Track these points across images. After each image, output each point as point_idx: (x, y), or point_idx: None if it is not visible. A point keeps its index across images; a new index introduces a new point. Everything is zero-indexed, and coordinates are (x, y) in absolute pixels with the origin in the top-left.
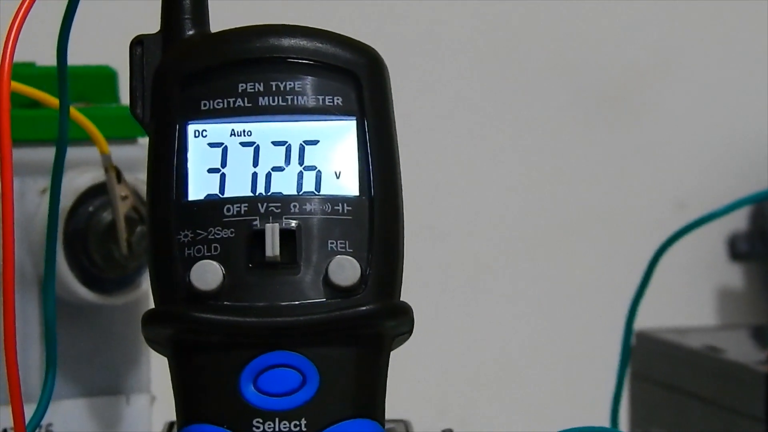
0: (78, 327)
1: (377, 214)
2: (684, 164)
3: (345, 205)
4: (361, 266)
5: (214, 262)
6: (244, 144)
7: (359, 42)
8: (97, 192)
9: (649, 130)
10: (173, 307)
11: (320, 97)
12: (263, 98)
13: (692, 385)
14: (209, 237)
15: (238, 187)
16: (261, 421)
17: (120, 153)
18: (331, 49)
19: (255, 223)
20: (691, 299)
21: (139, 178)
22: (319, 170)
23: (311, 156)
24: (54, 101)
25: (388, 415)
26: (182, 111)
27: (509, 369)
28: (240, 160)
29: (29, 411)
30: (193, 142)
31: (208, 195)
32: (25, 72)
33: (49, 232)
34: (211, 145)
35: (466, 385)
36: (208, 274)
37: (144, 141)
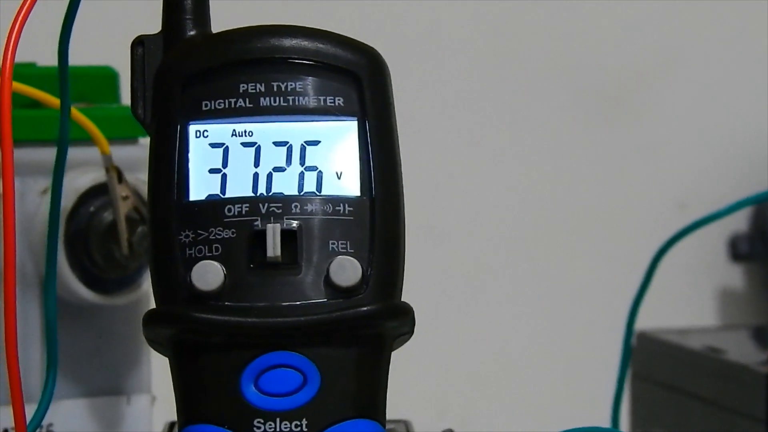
0: (79, 327)
1: (378, 215)
2: (685, 165)
3: (346, 205)
4: (362, 267)
5: (215, 263)
6: (245, 144)
7: (360, 42)
8: (98, 192)
9: (650, 130)
10: (174, 308)
11: (321, 98)
12: (264, 99)
13: (693, 385)
14: (210, 237)
15: (239, 187)
16: (262, 421)
17: (121, 153)
18: (332, 49)
19: (256, 223)
20: (691, 300)
21: (140, 178)
22: (320, 170)
23: (312, 156)
24: (55, 101)
25: (388, 416)
26: (183, 111)
27: (510, 369)
28: (241, 161)
29: (30, 411)
30: (194, 143)
31: (210, 195)
32: (26, 72)
33: (50, 233)
34: (213, 145)
35: (467, 385)
36: (209, 275)
37: (145, 141)
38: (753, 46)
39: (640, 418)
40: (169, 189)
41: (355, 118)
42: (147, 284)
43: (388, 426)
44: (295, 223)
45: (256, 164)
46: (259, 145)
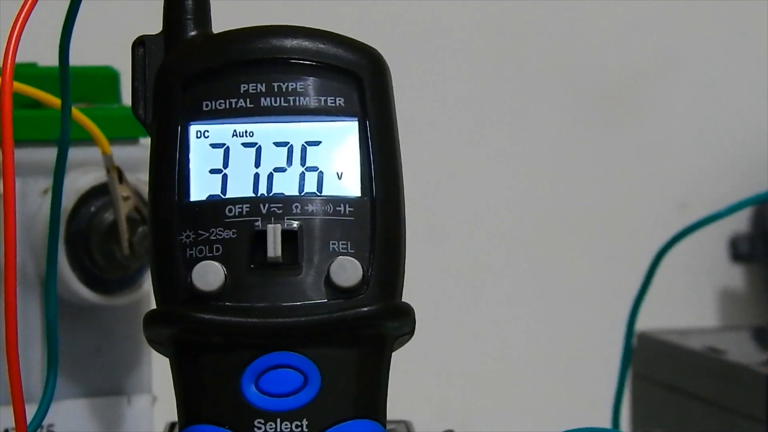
0: (79, 327)
1: (379, 215)
2: (685, 165)
3: (347, 205)
4: (362, 267)
5: (216, 263)
6: (246, 145)
7: (361, 43)
8: (98, 192)
9: (650, 130)
10: (175, 308)
11: (322, 98)
12: (265, 99)
13: (693, 386)
14: (211, 237)
15: (239, 187)
16: (262, 421)
17: (122, 153)
18: (333, 49)
19: (257, 223)
20: (692, 300)
21: (140, 178)
22: (320, 171)
23: (313, 157)
24: (56, 102)
25: (389, 416)
26: (184, 111)
27: (510, 370)
28: (242, 161)
29: (31, 411)
30: (194, 143)
31: (210, 195)
32: (27, 72)
33: (50, 233)
34: (213, 145)
35: (467, 385)
36: (209, 275)
37: (146, 141)
38: (753, 46)
39: (640, 418)
40: (170, 189)
41: (356, 119)
42: (148, 284)
43: (389, 426)
44: (295, 224)
45: (257, 164)
46: (259, 146)
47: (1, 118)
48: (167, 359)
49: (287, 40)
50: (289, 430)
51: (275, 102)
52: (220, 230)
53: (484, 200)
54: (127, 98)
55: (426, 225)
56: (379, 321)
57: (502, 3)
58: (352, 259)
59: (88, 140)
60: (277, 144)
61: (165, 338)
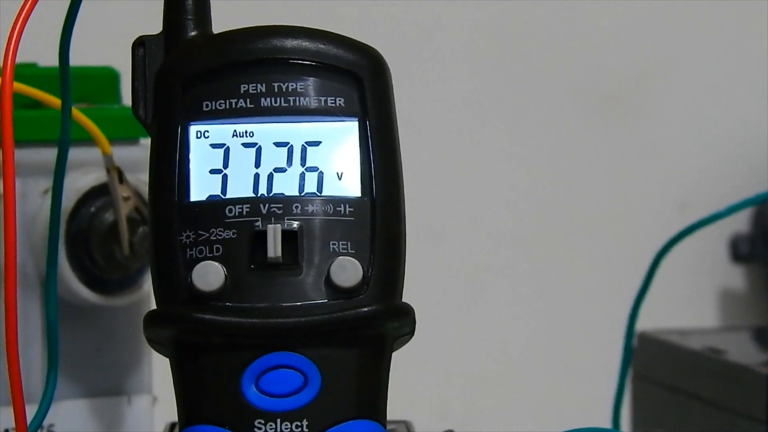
0: (80, 327)
1: (379, 215)
2: (686, 165)
3: (347, 206)
4: (362, 267)
5: (216, 263)
6: (246, 145)
7: (361, 43)
8: (99, 193)
9: (651, 130)
10: (175, 308)
11: (322, 98)
12: (265, 99)
13: (693, 386)
14: (211, 238)
15: (240, 187)
16: (263, 422)
17: (122, 154)
18: (333, 50)
19: (257, 224)
20: (692, 301)
21: (141, 178)
22: (321, 171)
23: (313, 157)
24: (56, 102)
25: (389, 416)
26: (184, 112)
27: (510, 370)
28: (242, 161)
29: (31, 411)
30: (195, 143)
31: (210, 196)
32: (28, 73)
33: (51, 233)
34: (213, 145)
35: (468, 385)
36: (209, 275)
37: (146, 142)
38: (753, 47)
39: (640, 418)
40: (170, 189)
41: (356, 119)
42: (148, 285)
43: (389, 426)
44: (295, 224)
45: (257, 165)
46: (259, 146)
47: (2, 118)
48: (167, 359)
49: (287, 41)
50: (289, 430)
51: (275, 102)
52: (220, 230)
53: (484, 200)
54: (127, 98)
55: (426, 225)
56: (379, 321)
57: (502, 3)
58: (353, 259)
59: (88, 140)
60: (278, 144)
61: (165, 338)
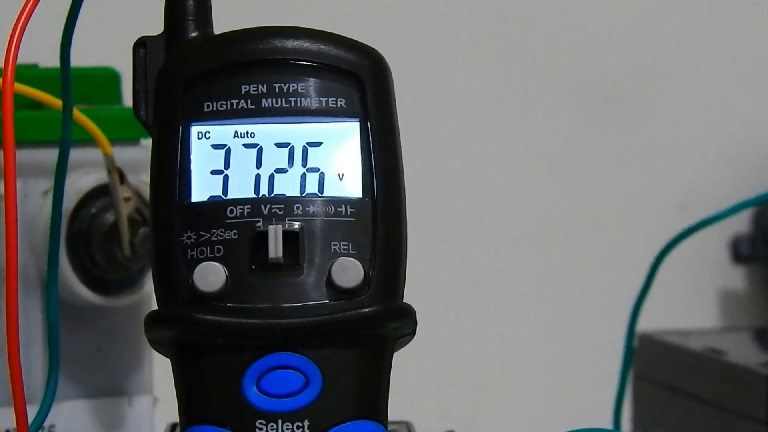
0: (81, 328)
1: (380, 216)
2: (686, 166)
3: (348, 206)
4: (364, 268)
5: (217, 264)
6: (247, 146)
7: (362, 44)
8: (99, 193)
9: (651, 131)
10: (176, 309)
11: (323, 99)
12: (266, 100)
13: (694, 387)
14: (212, 238)
15: (241, 188)
16: (264, 422)
17: (123, 154)
18: (334, 50)
19: (258, 224)
20: (693, 301)
21: (141, 179)
22: (322, 172)
23: (314, 158)
24: (57, 103)
25: (390, 417)
26: (185, 112)
27: (511, 370)
28: (243, 162)
29: (32, 412)
30: (196, 144)
31: (211, 196)
32: (28, 73)
33: (52, 234)
34: (214, 146)
35: (468, 386)
36: (210, 276)
37: (147, 142)
38: (753, 47)
39: (641, 419)
40: (171, 190)
41: (357, 120)
42: (149, 285)
43: (390, 427)
44: (297, 225)
45: (258, 165)
46: (261, 147)
47: (3, 119)
48: (168, 360)
49: (288, 41)
50: (290, 430)
51: (276, 103)
52: (221, 231)
53: (484, 200)
54: (128, 99)
55: (427, 225)
56: (380, 322)
57: (502, 3)
58: (354, 260)
59: (89, 141)
60: (279, 145)
61: (166, 339)
